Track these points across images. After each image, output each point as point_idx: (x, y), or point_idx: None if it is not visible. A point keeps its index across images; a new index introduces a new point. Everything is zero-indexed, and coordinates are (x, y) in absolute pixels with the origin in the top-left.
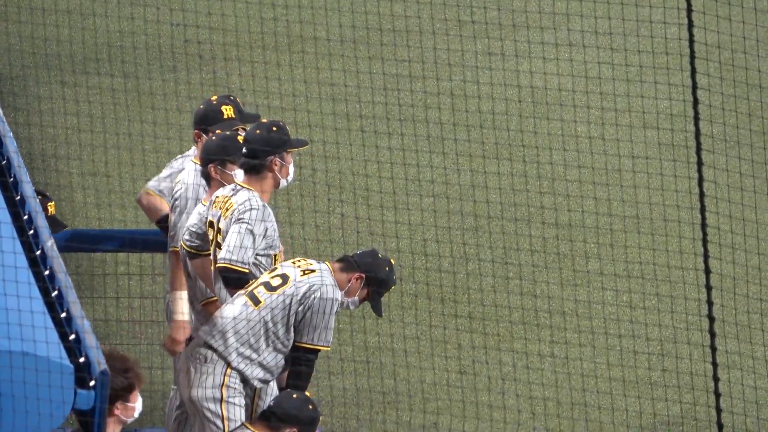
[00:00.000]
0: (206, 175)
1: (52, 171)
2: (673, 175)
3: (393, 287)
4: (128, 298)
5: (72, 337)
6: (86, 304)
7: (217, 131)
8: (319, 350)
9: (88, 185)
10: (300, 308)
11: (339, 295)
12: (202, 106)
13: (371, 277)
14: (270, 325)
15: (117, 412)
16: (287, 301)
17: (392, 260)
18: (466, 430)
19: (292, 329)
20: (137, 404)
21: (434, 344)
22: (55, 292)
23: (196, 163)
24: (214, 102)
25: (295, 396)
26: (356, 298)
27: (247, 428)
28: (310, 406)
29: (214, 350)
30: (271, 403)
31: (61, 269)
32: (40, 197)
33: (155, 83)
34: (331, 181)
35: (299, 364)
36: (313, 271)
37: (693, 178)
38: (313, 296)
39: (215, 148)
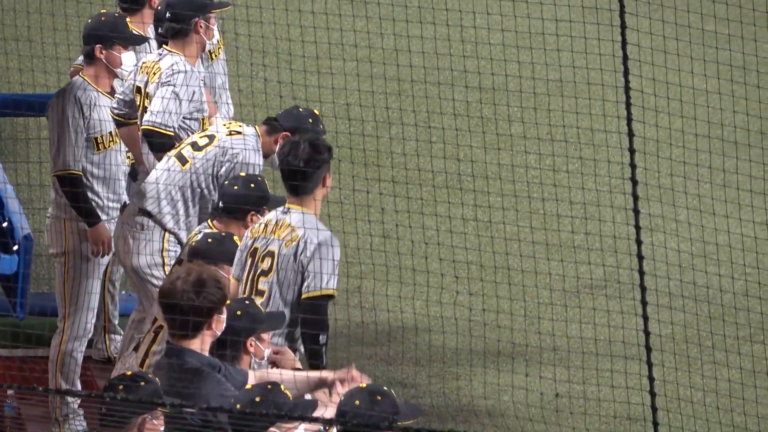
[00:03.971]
0: (88, 54)
1: None
2: (597, 39)
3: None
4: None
5: None
6: (9, 169)
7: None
8: None
9: (11, 50)
10: (223, 170)
11: (261, 160)
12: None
13: (296, 132)
14: (196, 185)
15: (213, 325)
16: (211, 161)
17: (316, 111)
18: (390, 294)
19: (217, 189)
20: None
21: (357, 209)
22: None
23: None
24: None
25: None
26: None
27: None
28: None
29: (150, 216)
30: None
31: None
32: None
33: None
34: (254, 46)
35: None
36: (239, 133)
37: (617, 41)
38: (235, 160)
39: (107, 27)
